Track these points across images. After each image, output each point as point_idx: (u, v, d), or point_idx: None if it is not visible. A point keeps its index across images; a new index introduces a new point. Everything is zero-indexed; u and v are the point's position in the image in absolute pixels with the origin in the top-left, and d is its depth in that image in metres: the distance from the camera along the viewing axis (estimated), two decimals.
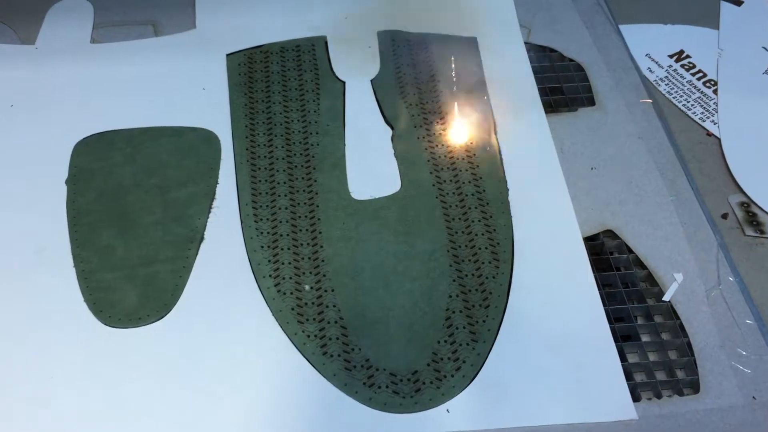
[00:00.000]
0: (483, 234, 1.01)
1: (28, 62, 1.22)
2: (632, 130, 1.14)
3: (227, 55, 1.24)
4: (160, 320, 0.91)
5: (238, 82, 1.20)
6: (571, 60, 1.26)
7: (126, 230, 1.00)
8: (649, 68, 1.28)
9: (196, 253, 0.98)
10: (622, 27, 1.33)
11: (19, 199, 1.03)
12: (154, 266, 0.96)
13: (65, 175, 1.06)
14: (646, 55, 1.30)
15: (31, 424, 0.82)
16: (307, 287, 0.93)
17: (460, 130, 1.13)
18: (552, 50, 1.28)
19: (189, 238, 0.99)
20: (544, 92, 1.20)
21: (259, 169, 1.08)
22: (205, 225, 1.01)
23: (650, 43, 1.32)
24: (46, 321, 0.91)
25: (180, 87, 1.19)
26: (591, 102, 1.19)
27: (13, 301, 0.92)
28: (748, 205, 1.07)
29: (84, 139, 1.10)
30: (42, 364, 0.87)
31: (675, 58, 1.30)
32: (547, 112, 1.17)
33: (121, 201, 1.03)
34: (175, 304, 0.92)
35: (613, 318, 0.93)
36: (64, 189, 1.04)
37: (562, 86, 1.22)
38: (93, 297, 0.92)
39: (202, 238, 0.99)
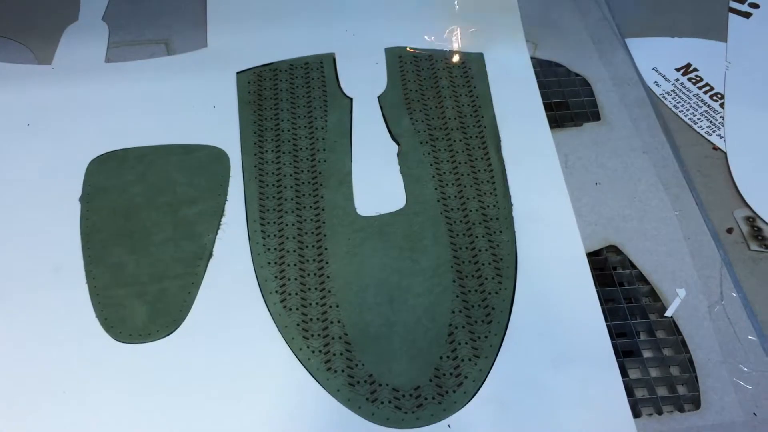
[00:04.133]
0: (487, 250, 1.02)
1: (45, 81, 1.25)
2: (637, 145, 1.15)
3: (237, 73, 1.27)
4: (169, 336, 0.93)
5: (248, 99, 1.22)
6: (577, 74, 1.27)
7: (137, 247, 1.02)
8: (655, 82, 1.28)
9: (205, 270, 1.00)
10: (628, 40, 1.34)
11: (34, 216, 1.06)
12: (164, 283, 0.98)
13: (79, 192, 1.08)
14: (653, 69, 1.30)
15: None
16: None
17: (465, 146, 1.15)
18: (558, 65, 1.29)
19: (198, 254, 1.01)
20: (549, 107, 1.21)
21: (267, 185, 1.10)
22: (214, 242, 1.03)
23: (657, 56, 1.33)
24: (59, 336, 0.93)
25: (191, 105, 1.22)
26: (596, 117, 1.20)
27: (27, 317, 0.95)
28: (753, 219, 1.07)
29: (98, 157, 1.13)
30: (54, 377, 0.89)
31: (682, 71, 1.30)
32: (552, 127, 1.18)
33: (133, 218, 1.05)
34: (183, 320, 0.95)
35: (615, 333, 0.94)
36: (78, 206, 1.07)
37: (567, 101, 1.23)
38: (104, 313, 0.95)
39: (210, 255, 1.02)
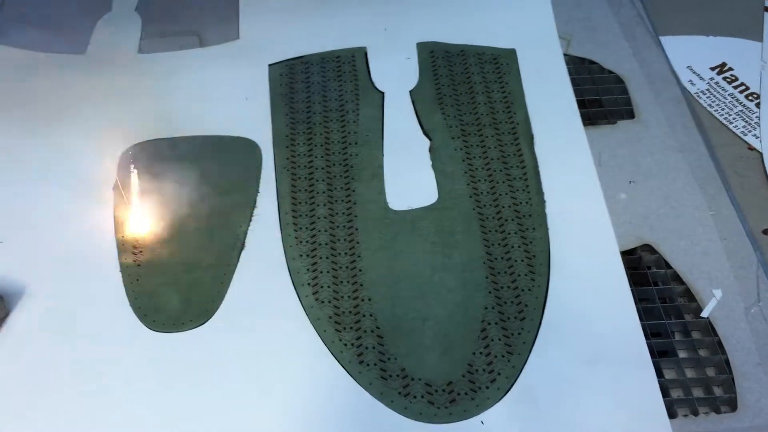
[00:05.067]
0: (519, 246, 1.01)
1: (79, 71, 1.26)
2: (672, 144, 1.14)
3: (269, 65, 1.27)
4: (203, 326, 0.93)
5: (280, 92, 1.22)
6: (610, 72, 1.26)
7: (170, 237, 1.02)
8: (690, 81, 1.27)
9: (237, 261, 1.00)
10: (662, 39, 1.32)
11: (69, 205, 1.06)
12: (197, 273, 0.98)
13: (113, 181, 1.09)
14: (687, 68, 1.29)
15: (80, 422, 0.85)
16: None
17: (497, 142, 1.14)
18: (591, 62, 1.28)
19: (231, 245, 1.01)
20: (582, 104, 1.20)
21: (299, 178, 1.10)
22: (246, 233, 1.03)
23: (692, 55, 1.31)
24: (94, 324, 0.94)
25: (223, 96, 1.22)
26: (630, 115, 1.19)
27: (63, 305, 0.96)
28: None
29: (131, 146, 1.13)
30: (90, 365, 0.90)
31: (717, 70, 1.29)
32: (585, 124, 1.17)
33: (166, 208, 1.06)
34: (216, 311, 0.95)
35: (650, 333, 0.93)
36: (112, 195, 1.07)
37: (601, 98, 1.22)
38: (138, 302, 0.95)
39: (243, 246, 1.02)
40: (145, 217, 1.05)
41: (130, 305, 0.95)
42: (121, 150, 1.14)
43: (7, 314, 0.94)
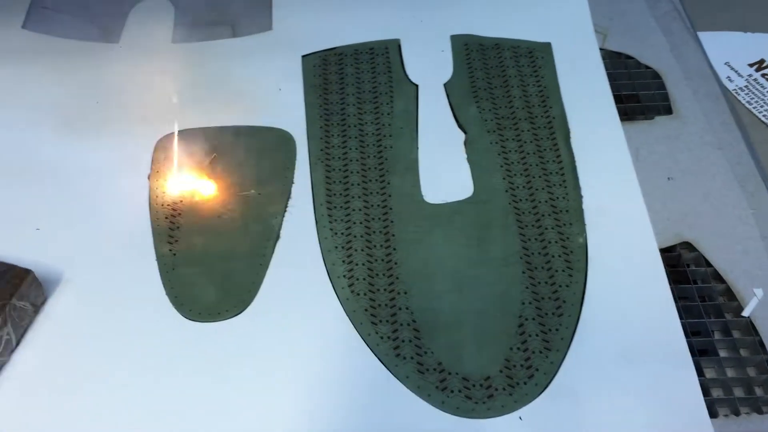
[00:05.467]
0: (557, 242, 1.00)
1: (112, 60, 1.26)
2: (711, 140, 1.12)
3: (302, 56, 1.26)
4: (238, 316, 0.93)
5: (313, 83, 1.22)
6: (647, 67, 1.25)
7: (205, 227, 1.02)
8: (728, 77, 1.25)
9: (273, 251, 1.00)
10: (700, 34, 1.30)
11: (104, 194, 1.07)
12: (232, 262, 0.98)
13: (148, 170, 1.09)
14: (725, 64, 1.28)
15: (116, 408, 0.85)
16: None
17: (533, 136, 1.13)
18: (628, 57, 1.26)
19: (266, 236, 1.01)
20: (619, 99, 1.19)
21: (334, 170, 1.10)
22: (281, 224, 1.03)
23: (730, 51, 1.30)
24: (131, 313, 0.94)
25: (257, 87, 1.22)
26: (668, 110, 1.18)
27: (99, 294, 0.96)
28: None
29: (166, 135, 1.13)
30: (127, 353, 0.90)
31: (755, 66, 1.27)
32: (622, 119, 1.15)
33: (201, 197, 1.06)
34: (252, 301, 0.95)
35: (690, 331, 0.92)
36: (147, 184, 1.07)
37: (638, 93, 1.21)
38: (174, 291, 0.95)
39: (278, 237, 1.01)
40: (180, 206, 1.05)
41: (167, 294, 0.95)
42: (155, 139, 1.14)
43: (44, 300, 0.94)
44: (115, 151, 1.12)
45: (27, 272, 0.90)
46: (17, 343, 0.90)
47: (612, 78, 1.22)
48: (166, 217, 1.03)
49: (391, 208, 1.05)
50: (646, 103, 1.19)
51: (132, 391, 0.87)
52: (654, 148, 1.12)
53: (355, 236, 1.01)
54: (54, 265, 0.97)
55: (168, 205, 1.05)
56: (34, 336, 0.91)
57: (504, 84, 1.21)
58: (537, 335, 0.91)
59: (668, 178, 1.08)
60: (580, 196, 1.05)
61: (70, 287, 0.96)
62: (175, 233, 1.01)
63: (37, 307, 0.93)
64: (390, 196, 1.06)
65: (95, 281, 0.97)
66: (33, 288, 0.91)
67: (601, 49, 1.27)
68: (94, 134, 1.14)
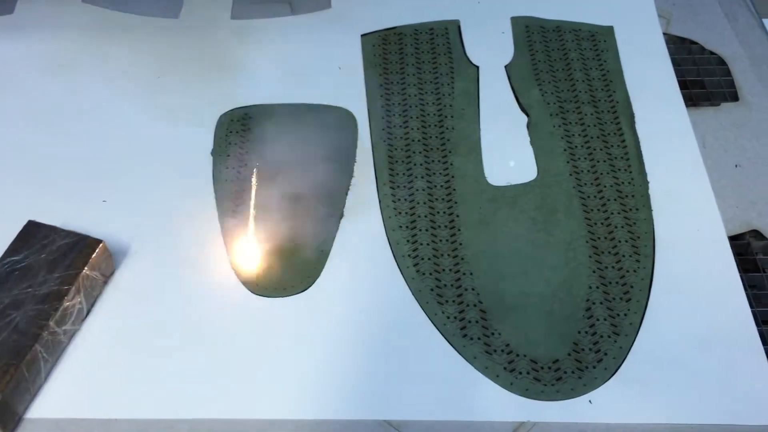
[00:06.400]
0: (623, 227, 0.99)
1: (173, 35, 1.26)
2: None
3: (362, 35, 1.26)
4: (304, 292, 0.93)
5: (373, 62, 1.21)
6: (712, 53, 1.23)
7: (269, 202, 1.02)
8: None
9: (337, 229, 1.00)
10: (766, 21, 1.28)
11: (167, 169, 1.07)
12: (298, 239, 0.98)
13: (210, 146, 1.09)
14: None
15: (179, 382, 0.86)
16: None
17: (597, 120, 1.12)
18: (692, 42, 1.24)
19: (330, 213, 1.01)
20: (683, 85, 1.17)
21: (396, 149, 1.09)
22: (345, 202, 1.03)
23: None
24: (197, 286, 0.94)
25: (316, 65, 1.21)
26: (734, 97, 1.16)
27: (168, 269, 0.96)
28: None
29: (228, 112, 1.14)
30: (193, 326, 0.90)
31: None
32: (687, 105, 1.14)
33: (263, 173, 1.06)
34: (318, 277, 0.95)
35: (761, 320, 0.90)
36: (209, 160, 1.08)
37: (702, 80, 1.19)
38: (241, 266, 0.96)
39: (342, 215, 1.01)
40: (244, 182, 1.05)
41: (233, 269, 0.95)
42: (216, 115, 1.14)
43: (113, 272, 0.95)
44: (176, 126, 1.12)
45: (99, 242, 0.91)
46: (88, 313, 0.91)
47: (676, 63, 1.20)
48: (231, 193, 1.04)
49: (454, 189, 1.04)
50: (711, 90, 1.17)
51: (196, 363, 0.87)
52: (720, 135, 1.10)
53: (419, 216, 1.01)
54: (121, 237, 0.98)
55: (232, 180, 1.05)
56: (103, 306, 0.92)
57: (566, 67, 1.20)
58: (605, 319, 0.90)
59: (736, 166, 1.06)
60: (646, 182, 1.04)
61: (137, 260, 0.97)
62: (240, 208, 1.02)
63: (106, 278, 0.94)
64: (453, 177, 1.06)
65: (162, 253, 0.97)
66: (104, 258, 0.92)
67: (664, 33, 1.25)
68: (154, 108, 1.15)
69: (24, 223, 0.93)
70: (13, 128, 1.12)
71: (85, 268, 0.88)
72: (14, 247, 0.90)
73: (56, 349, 0.86)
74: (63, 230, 0.92)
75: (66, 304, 0.86)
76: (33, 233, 0.92)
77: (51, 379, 0.85)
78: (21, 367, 0.80)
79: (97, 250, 0.90)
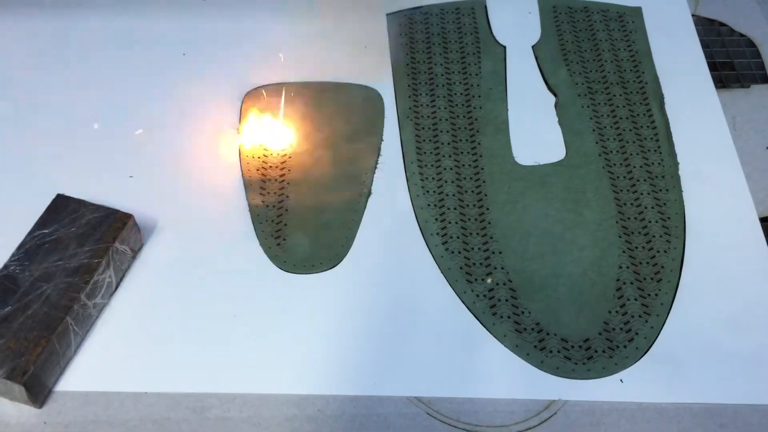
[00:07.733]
0: (653, 207, 0.98)
1: (196, 13, 1.26)
2: None
3: (387, 14, 1.25)
4: (333, 269, 0.93)
5: (399, 41, 1.21)
6: (741, 35, 1.21)
7: (296, 180, 1.02)
8: None
9: (365, 207, 0.99)
10: None
11: (193, 146, 1.07)
12: (325, 216, 0.98)
13: (236, 123, 1.09)
14: None
15: (206, 358, 0.86)
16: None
17: (625, 101, 1.11)
18: (721, 24, 1.23)
19: (357, 191, 1.01)
20: (713, 66, 1.16)
21: (423, 128, 1.09)
22: (372, 180, 1.02)
23: None
24: (224, 262, 0.94)
25: (342, 44, 1.21)
26: (765, 79, 1.15)
27: (195, 245, 0.96)
28: None
29: (254, 89, 1.13)
30: (222, 303, 0.90)
31: None
32: (716, 87, 1.12)
33: (291, 151, 1.05)
34: (346, 255, 0.94)
35: None
36: (236, 136, 1.07)
37: (732, 61, 1.17)
38: (268, 242, 0.95)
39: (369, 193, 1.01)
40: (270, 159, 1.04)
41: (260, 245, 0.95)
42: (242, 92, 1.13)
43: (141, 246, 0.95)
44: (203, 104, 1.12)
45: (128, 216, 0.91)
46: (116, 287, 0.91)
47: (705, 45, 1.19)
48: (258, 169, 1.03)
49: (482, 168, 1.03)
50: (741, 72, 1.16)
51: (225, 338, 0.87)
52: (751, 116, 1.09)
53: (447, 195, 1.01)
54: (148, 212, 0.98)
55: (259, 157, 1.05)
56: (132, 280, 0.92)
57: (594, 48, 1.19)
58: (636, 299, 0.90)
59: (766, 148, 1.05)
60: (676, 163, 1.03)
61: (165, 235, 0.97)
62: (267, 185, 1.01)
63: (135, 252, 0.93)
64: (481, 156, 1.05)
65: (189, 229, 0.97)
66: (133, 233, 0.92)
67: (693, 15, 1.23)
68: (182, 86, 1.14)
69: (52, 197, 0.93)
70: (41, 104, 1.12)
71: (116, 241, 0.88)
72: (43, 221, 0.90)
73: (86, 323, 0.86)
74: (92, 204, 0.91)
75: (96, 277, 0.86)
76: (62, 207, 0.91)
77: (80, 353, 0.85)
78: (52, 339, 0.80)
79: (127, 224, 0.90)
